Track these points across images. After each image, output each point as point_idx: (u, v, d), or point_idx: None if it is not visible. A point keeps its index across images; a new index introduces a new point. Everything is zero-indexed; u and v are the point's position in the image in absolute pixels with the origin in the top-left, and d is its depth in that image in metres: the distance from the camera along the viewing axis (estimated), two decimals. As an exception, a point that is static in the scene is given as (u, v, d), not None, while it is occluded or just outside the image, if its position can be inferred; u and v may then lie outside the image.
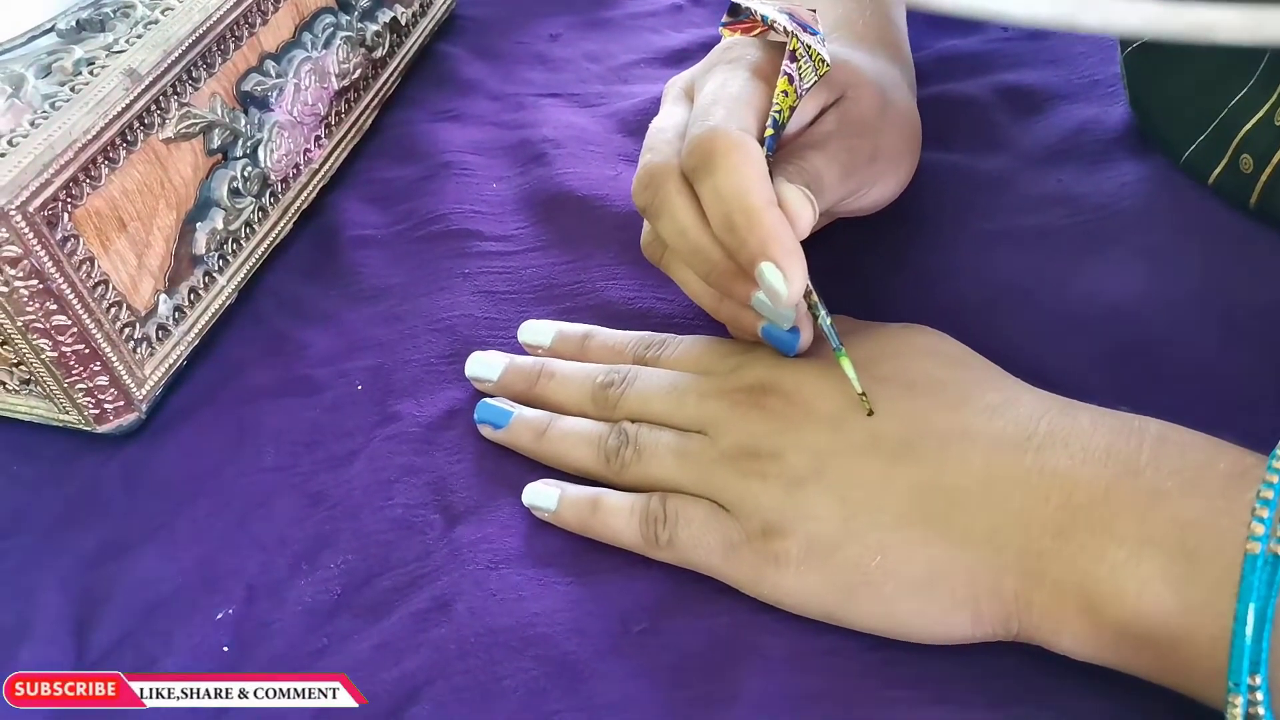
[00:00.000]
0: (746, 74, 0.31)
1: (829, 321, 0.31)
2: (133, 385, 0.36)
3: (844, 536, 0.28)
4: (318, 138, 0.46)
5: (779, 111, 0.30)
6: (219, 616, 0.32)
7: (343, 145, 0.47)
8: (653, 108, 0.35)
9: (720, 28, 0.34)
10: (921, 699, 0.27)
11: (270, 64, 0.42)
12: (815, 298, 0.31)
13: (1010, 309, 0.35)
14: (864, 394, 0.29)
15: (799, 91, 0.31)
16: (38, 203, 0.31)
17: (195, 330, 0.39)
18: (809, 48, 0.30)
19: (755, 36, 0.33)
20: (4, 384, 0.37)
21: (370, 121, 0.49)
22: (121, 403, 0.36)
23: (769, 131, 0.30)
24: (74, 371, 0.35)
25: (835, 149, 0.31)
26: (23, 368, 0.36)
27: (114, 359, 0.35)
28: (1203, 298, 0.34)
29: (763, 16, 0.32)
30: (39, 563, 0.34)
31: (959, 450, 0.28)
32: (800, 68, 0.31)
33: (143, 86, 0.35)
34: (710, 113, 0.30)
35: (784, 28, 0.31)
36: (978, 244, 0.38)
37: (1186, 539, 0.24)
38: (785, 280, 0.28)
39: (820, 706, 0.27)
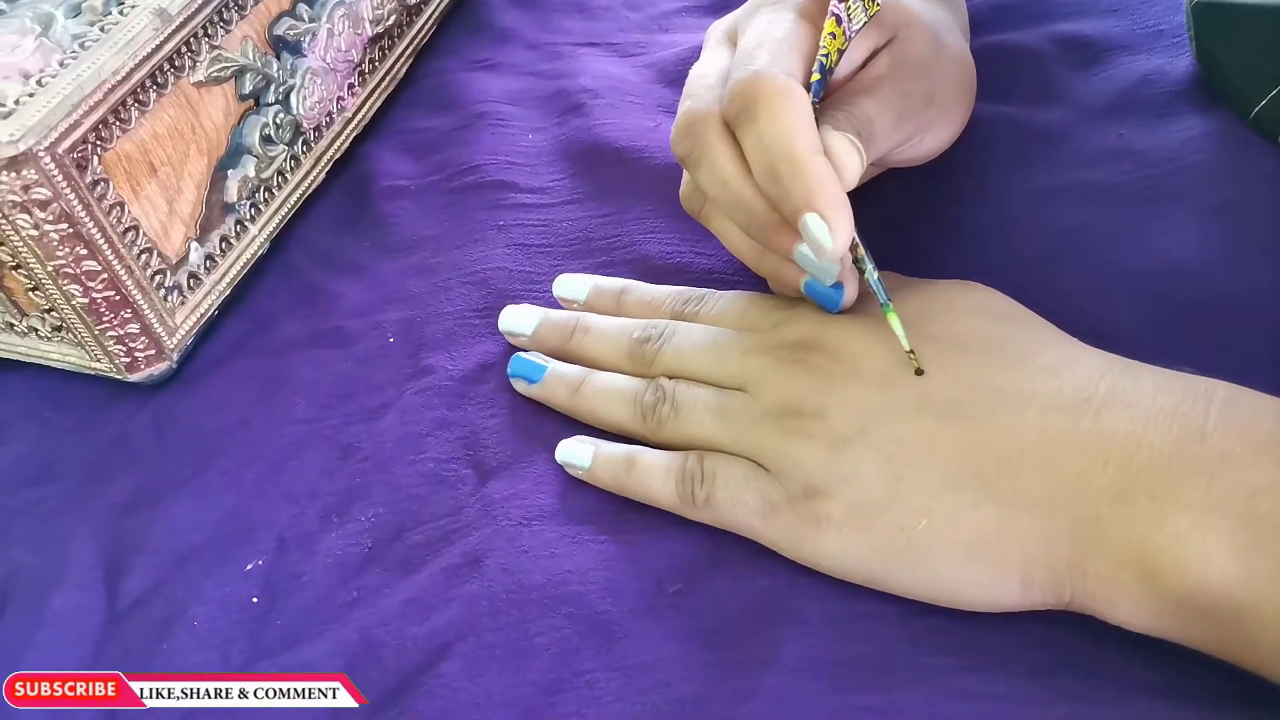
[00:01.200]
0: (792, 16, 0.30)
1: (876, 276, 0.30)
2: (164, 334, 0.36)
3: (888, 499, 0.27)
4: (351, 85, 0.45)
5: (826, 55, 0.29)
6: (249, 567, 0.31)
7: (376, 94, 0.46)
8: (694, 57, 0.34)
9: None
10: (964, 667, 0.26)
11: (303, 8, 0.41)
12: (862, 251, 0.30)
13: (1068, 266, 0.34)
14: (912, 351, 0.28)
15: (848, 33, 0.29)
16: (66, 144, 0.31)
17: (227, 279, 0.39)
18: (859, -14, 0.29)
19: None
20: (36, 331, 0.37)
21: (404, 70, 0.48)
22: (153, 351, 0.36)
23: (815, 76, 0.29)
24: (105, 319, 0.34)
25: (888, 93, 0.30)
26: (54, 314, 0.35)
27: (145, 306, 0.35)
28: (1272, 257, 0.33)
29: None
30: (71, 510, 0.34)
31: (1012, 411, 0.26)
32: (849, 8, 0.29)
33: (173, 27, 0.34)
34: (753, 57, 0.29)
35: None
36: (1034, 199, 0.36)
37: (1255, 506, 0.23)
38: (830, 233, 0.27)
39: (859, 672, 0.26)
